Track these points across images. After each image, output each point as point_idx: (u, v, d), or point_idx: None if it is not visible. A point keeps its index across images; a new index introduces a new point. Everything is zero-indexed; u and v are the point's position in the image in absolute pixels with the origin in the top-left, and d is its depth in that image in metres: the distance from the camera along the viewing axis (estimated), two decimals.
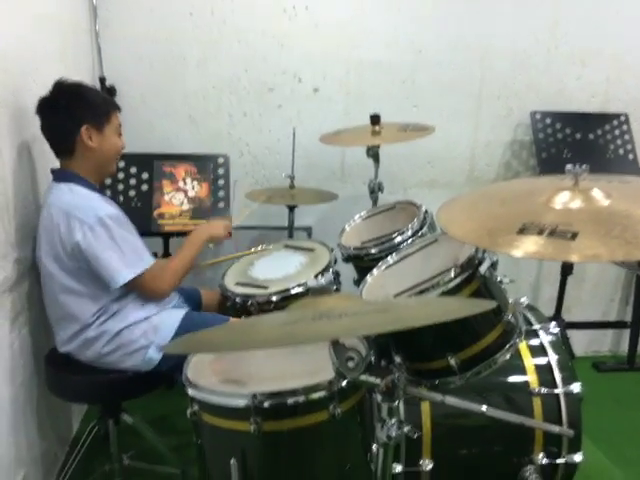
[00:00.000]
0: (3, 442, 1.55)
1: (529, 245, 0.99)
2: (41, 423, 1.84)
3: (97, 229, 1.55)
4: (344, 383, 1.21)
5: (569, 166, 1.15)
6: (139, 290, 1.67)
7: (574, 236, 0.97)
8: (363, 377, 0.92)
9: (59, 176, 1.66)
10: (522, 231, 1.03)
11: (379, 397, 0.95)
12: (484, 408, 1.12)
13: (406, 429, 0.95)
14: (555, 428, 1.35)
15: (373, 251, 1.82)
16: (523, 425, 1.33)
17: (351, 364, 0.90)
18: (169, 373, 1.68)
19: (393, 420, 0.94)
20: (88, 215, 1.55)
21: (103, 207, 1.61)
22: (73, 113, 1.62)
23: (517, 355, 1.67)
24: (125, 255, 1.59)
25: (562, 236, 0.98)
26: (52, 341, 1.81)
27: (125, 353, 1.66)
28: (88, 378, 1.67)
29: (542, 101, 2.71)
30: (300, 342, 0.91)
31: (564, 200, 1.11)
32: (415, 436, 0.94)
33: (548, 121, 2.62)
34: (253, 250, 2.14)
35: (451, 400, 1.02)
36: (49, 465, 1.92)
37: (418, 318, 0.86)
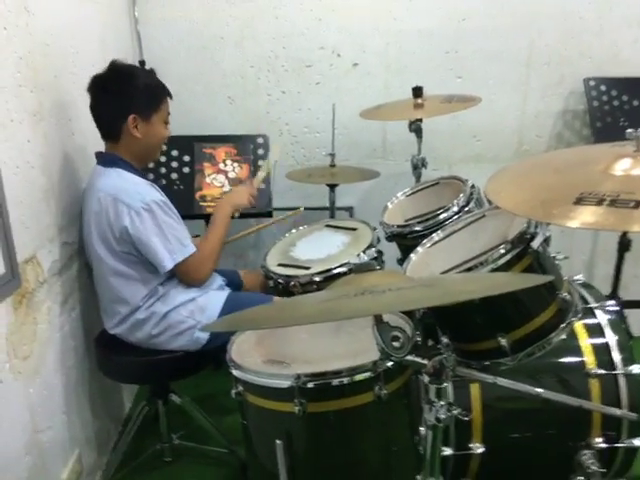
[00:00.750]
0: (57, 422, 1.60)
1: (587, 216, 0.92)
2: (93, 403, 1.89)
3: (143, 214, 1.57)
4: (390, 364, 1.18)
5: (630, 130, 1.06)
6: (181, 276, 1.69)
7: (638, 205, 0.89)
8: (409, 357, 0.89)
9: (105, 160, 1.68)
10: (579, 201, 0.95)
11: (427, 378, 0.90)
12: (540, 390, 1.06)
13: (456, 411, 0.91)
14: (617, 411, 1.28)
15: (417, 228, 1.76)
16: (581, 408, 1.25)
17: (396, 344, 0.87)
18: (217, 352, 1.69)
19: (442, 402, 0.90)
20: (135, 200, 1.57)
21: (150, 192, 1.62)
22: (122, 100, 1.61)
23: (572, 335, 1.59)
24: (169, 242, 1.61)
25: (624, 205, 0.90)
26: (101, 323, 1.85)
27: (174, 334, 1.68)
28: (137, 359, 1.70)
29: (596, 67, 2.54)
30: (343, 317, 0.88)
31: (625, 167, 1.02)
32: (466, 418, 0.89)
33: (603, 88, 2.46)
34: (272, 221, 2.15)
35: (504, 382, 0.97)
36: (102, 444, 1.98)
37: (465, 292, 0.81)
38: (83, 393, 1.81)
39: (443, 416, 0.90)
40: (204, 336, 1.69)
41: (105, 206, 1.58)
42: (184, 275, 1.69)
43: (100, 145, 1.73)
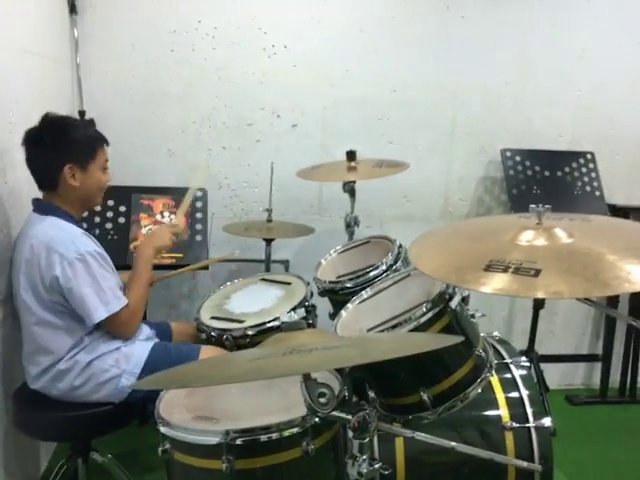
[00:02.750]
0: None
1: (496, 282, 1.03)
2: (7, 462, 1.78)
3: (76, 265, 1.55)
4: (317, 419, 1.21)
5: (532, 206, 1.20)
6: (111, 328, 1.67)
7: (537, 273, 1.00)
8: (335, 413, 0.93)
9: (42, 208, 1.66)
10: (488, 268, 1.06)
11: (350, 433, 0.95)
12: (453, 444, 1.13)
13: (377, 465, 0.95)
14: (523, 463, 1.36)
15: (348, 285, 1.84)
16: (499, 446, 1.33)
17: (323, 400, 0.91)
18: (143, 406, 1.67)
19: (365, 456, 0.95)
20: (69, 250, 1.56)
21: (84, 243, 1.61)
22: (57, 151, 1.62)
23: (490, 389, 1.69)
24: (104, 292, 1.60)
25: (526, 273, 1.01)
26: (21, 379, 1.77)
27: (97, 383, 1.64)
28: (57, 414, 1.64)
29: (512, 139, 2.81)
30: (270, 376, 0.92)
31: (528, 238, 1.15)
32: (387, 472, 0.94)
33: (518, 158, 2.71)
34: (205, 262, 2.16)
35: (421, 436, 1.03)
36: None
37: (386, 352, 0.88)
38: None
39: (365, 470, 0.95)
40: (128, 385, 1.66)
41: (37, 254, 1.56)
42: (115, 326, 1.67)
43: (34, 194, 1.72)
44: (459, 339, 1.05)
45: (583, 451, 2.47)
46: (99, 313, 1.59)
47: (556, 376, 3.08)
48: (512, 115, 2.81)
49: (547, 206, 1.16)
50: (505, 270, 1.04)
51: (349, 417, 0.95)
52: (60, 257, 1.55)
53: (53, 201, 1.66)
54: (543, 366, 2.78)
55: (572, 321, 3.08)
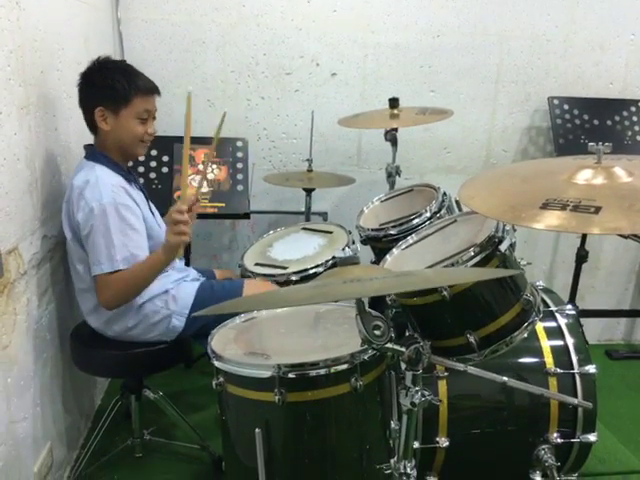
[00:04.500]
0: (30, 415, 1.60)
1: (552, 219, 1.01)
2: (66, 398, 1.89)
3: (95, 212, 1.55)
4: (366, 356, 1.24)
5: (592, 144, 1.16)
6: (99, 285, 1.59)
7: (597, 210, 0.98)
8: (389, 345, 0.95)
9: (88, 153, 1.71)
10: (545, 206, 1.04)
11: (403, 365, 0.97)
12: (505, 379, 1.14)
13: (429, 397, 0.98)
14: (574, 400, 1.37)
15: (391, 232, 1.84)
16: (542, 397, 1.35)
17: (378, 332, 0.93)
18: (190, 344, 1.74)
19: (417, 387, 0.97)
20: (94, 197, 1.57)
21: (112, 194, 1.58)
22: (91, 92, 1.65)
23: (534, 337, 1.69)
24: (112, 247, 1.55)
25: (586, 210, 0.99)
26: (76, 318, 1.85)
27: (149, 324, 1.70)
28: (113, 352, 1.72)
29: (560, 87, 2.70)
30: (334, 299, 0.93)
31: (587, 177, 1.12)
32: (438, 403, 0.96)
33: (566, 107, 2.62)
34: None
35: (473, 370, 1.04)
36: (72, 439, 1.98)
37: (448, 279, 0.89)
38: (57, 387, 1.81)
39: (418, 401, 0.97)
40: (179, 324, 1.72)
41: (72, 196, 1.61)
42: (102, 286, 1.58)
43: (83, 141, 1.75)
44: (515, 272, 1.05)
45: (623, 404, 2.47)
46: (103, 266, 1.55)
47: (596, 331, 3.06)
48: (561, 62, 2.69)
49: (607, 144, 1.12)
50: (563, 208, 1.02)
51: (403, 349, 0.96)
52: (85, 203, 1.57)
53: (97, 146, 1.69)
54: (583, 321, 2.74)
55: (615, 276, 3.02)
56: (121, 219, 1.58)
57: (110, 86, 1.63)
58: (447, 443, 1.59)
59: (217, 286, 1.82)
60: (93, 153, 1.69)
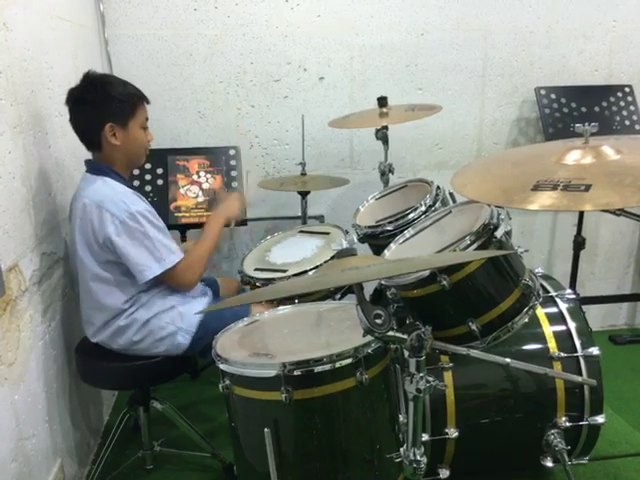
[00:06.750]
0: (41, 430, 1.60)
1: (544, 199, 1.03)
2: (74, 413, 1.89)
3: (129, 223, 1.60)
4: (370, 349, 1.25)
5: (579, 125, 1.18)
6: (170, 282, 1.72)
7: (587, 188, 1.00)
8: (391, 333, 0.96)
9: (93, 168, 1.70)
10: (536, 188, 1.06)
11: (407, 352, 0.98)
12: (508, 360, 1.15)
13: (434, 382, 0.98)
14: (577, 378, 1.38)
15: (388, 228, 1.85)
16: (548, 383, 1.35)
17: (379, 321, 0.94)
18: (200, 355, 1.74)
19: (422, 374, 0.97)
20: (120, 209, 1.60)
21: (135, 202, 1.64)
22: (97, 109, 1.64)
23: (536, 323, 1.70)
24: (156, 250, 1.63)
25: (576, 189, 1.01)
26: (81, 333, 1.86)
27: (155, 340, 1.71)
28: (119, 364, 1.72)
29: (546, 77, 2.73)
30: (333, 285, 0.94)
31: (575, 157, 1.14)
32: (444, 388, 0.97)
33: (553, 96, 2.64)
34: None
35: (476, 353, 1.05)
36: (83, 455, 1.98)
37: (447, 260, 0.90)
38: (64, 403, 1.81)
39: (423, 387, 0.98)
40: (185, 341, 1.73)
41: (90, 213, 1.61)
42: (173, 280, 1.71)
43: (75, 158, 1.77)
44: (511, 251, 1.06)
45: (630, 387, 2.47)
46: (153, 270, 1.63)
47: (599, 317, 3.07)
48: (545, 52, 2.72)
49: (594, 124, 1.14)
50: (554, 188, 1.04)
51: (405, 336, 0.97)
52: (112, 216, 1.59)
53: (102, 161, 1.70)
54: (585, 308, 2.75)
55: (613, 261, 3.04)
56: (151, 223, 1.65)
57: (117, 100, 1.65)
58: (456, 434, 1.60)
59: (224, 311, 1.78)
60: (99, 167, 1.69)
